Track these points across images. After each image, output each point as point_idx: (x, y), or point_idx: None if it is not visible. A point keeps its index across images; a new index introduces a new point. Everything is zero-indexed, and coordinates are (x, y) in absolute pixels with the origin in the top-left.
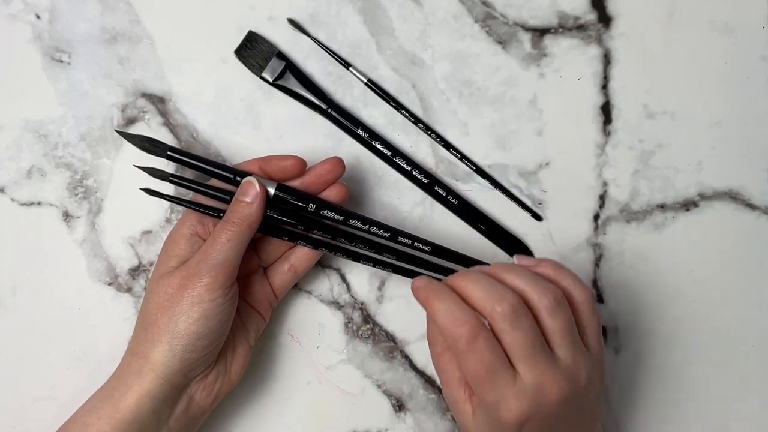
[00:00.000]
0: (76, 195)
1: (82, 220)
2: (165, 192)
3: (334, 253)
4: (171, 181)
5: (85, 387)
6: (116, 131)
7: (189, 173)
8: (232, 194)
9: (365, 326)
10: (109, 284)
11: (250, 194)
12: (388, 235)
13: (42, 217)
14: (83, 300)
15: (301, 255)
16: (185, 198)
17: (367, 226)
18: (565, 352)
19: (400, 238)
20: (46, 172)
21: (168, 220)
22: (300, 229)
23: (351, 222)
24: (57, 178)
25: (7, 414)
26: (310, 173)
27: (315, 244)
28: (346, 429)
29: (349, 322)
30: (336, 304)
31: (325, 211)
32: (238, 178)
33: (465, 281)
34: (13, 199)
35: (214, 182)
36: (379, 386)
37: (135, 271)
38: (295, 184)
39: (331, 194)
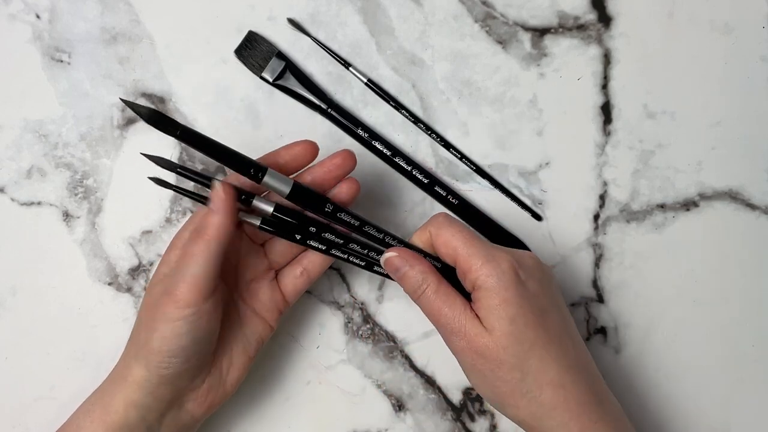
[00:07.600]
0: (76, 195)
1: (82, 220)
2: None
3: (347, 258)
4: (178, 173)
5: (85, 387)
6: (121, 99)
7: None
8: (242, 191)
9: (365, 326)
10: (109, 284)
11: (215, 203)
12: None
13: (42, 217)
14: (83, 300)
15: (315, 257)
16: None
17: (381, 236)
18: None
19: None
20: (46, 172)
21: (168, 220)
22: (312, 231)
23: (366, 229)
24: (57, 178)
25: (7, 414)
26: (320, 168)
27: (328, 245)
28: (346, 429)
29: (349, 322)
30: (336, 304)
31: (341, 215)
32: (252, 171)
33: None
34: (13, 199)
35: (231, 178)
36: (379, 386)
37: (135, 271)
38: (306, 180)
39: (342, 190)
